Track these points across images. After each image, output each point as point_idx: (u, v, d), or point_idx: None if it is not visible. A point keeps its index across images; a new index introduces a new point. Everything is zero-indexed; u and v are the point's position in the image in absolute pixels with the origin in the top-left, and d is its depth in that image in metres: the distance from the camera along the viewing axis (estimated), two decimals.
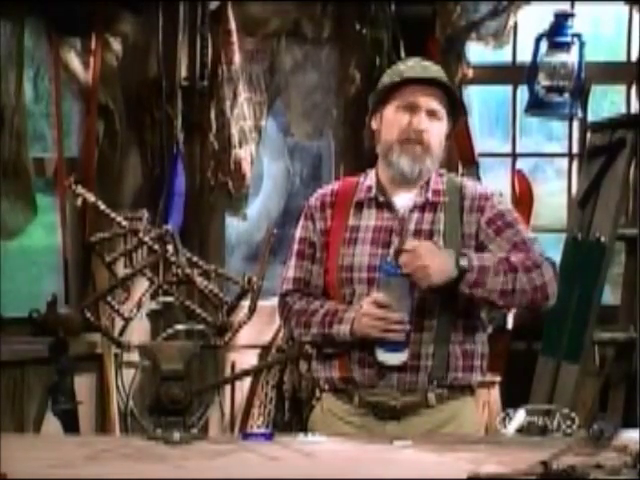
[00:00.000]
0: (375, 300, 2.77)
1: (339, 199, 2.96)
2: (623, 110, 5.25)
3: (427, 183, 2.92)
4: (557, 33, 4.98)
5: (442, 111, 2.90)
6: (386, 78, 2.95)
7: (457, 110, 2.96)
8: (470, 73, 5.14)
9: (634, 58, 5.20)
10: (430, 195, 2.91)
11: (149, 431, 2.70)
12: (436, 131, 2.89)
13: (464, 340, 2.87)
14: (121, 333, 4.16)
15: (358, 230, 2.90)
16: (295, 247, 2.99)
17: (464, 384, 2.88)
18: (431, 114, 2.88)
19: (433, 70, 2.95)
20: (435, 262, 2.73)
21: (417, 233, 2.86)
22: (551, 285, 2.80)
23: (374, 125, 2.97)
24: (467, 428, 2.89)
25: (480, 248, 2.87)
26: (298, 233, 3.00)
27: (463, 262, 2.74)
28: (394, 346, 2.79)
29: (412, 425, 2.83)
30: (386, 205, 2.91)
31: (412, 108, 2.87)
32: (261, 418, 4.78)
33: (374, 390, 2.84)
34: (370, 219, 2.91)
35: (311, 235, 2.96)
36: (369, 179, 2.97)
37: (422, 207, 2.90)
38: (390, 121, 2.90)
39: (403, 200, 2.91)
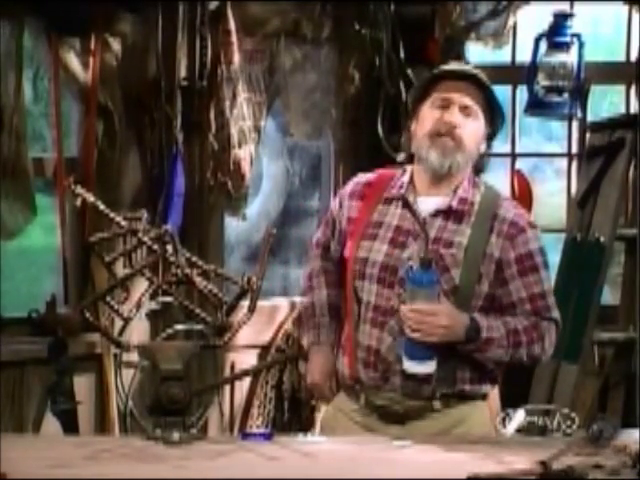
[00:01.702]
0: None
1: (371, 191, 2.95)
2: (622, 110, 5.25)
3: (455, 190, 2.87)
4: (556, 33, 4.99)
5: (477, 109, 2.85)
6: (421, 80, 3.00)
7: (495, 113, 2.91)
8: None
9: (633, 58, 5.20)
10: (455, 203, 2.84)
11: (148, 431, 2.70)
12: (470, 128, 2.84)
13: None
14: (120, 333, 4.16)
15: (381, 226, 2.88)
16: (327, 215, 3.10)
17: (473, 394, 2.85)
18: (465, 111, 2.84)
19: (470, 69, 2.95)
20: (450, 325, 2.73)
21: (436, 241, 2.81)
22: (547, 353, 2.86)
23: (413, 127, 2.93)
24: (475, 432, 2.84)
25: (498, 278, 2.82)
26: (331, 205, 3.09)
27: (471, 333, 2.74)
28: (424, 354, 2.74)
29: (417, 429, 2.81)
30: (410, 206, 2.87)
31: (445, 103, 2.85)
32: (260, 418, 4.78)
33: (379, 393, 2.83)
34: (394, 218, 2.88)
35: (337, 215, 3.01)
36: (405, 176, 2.93)
37: (446, 214, 2.84)
38: (423, 117, 2.88)
39: (428, 204, 2.87)
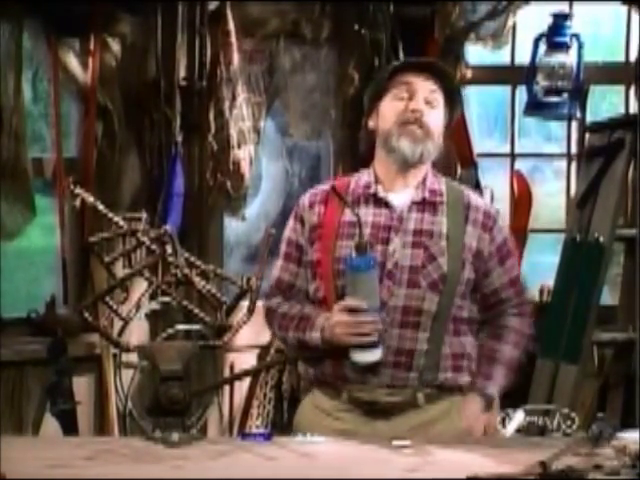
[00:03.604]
0: (345, 307, 2.77)
1: (332, 196, 2.95)
2: (622, 111, 5.25)
3: (424, 182, 2.92)
4: (556, 34, 4.99)
5: (439, 98, 2.90)
6: (380, 75, 2.98)
7: (454, 101, 2.95)
8: (469, 74, 5.14)
9: (633, 58, 5.20)
10: (427, 194, 2.90)
11: (148, 432, 2.70)
12: (434, 117, 2.89)
13: (454, 342, 2.88)
14: (120, 334, 4.17)
15: (355, 225, 2.87)
16: (283, 248, 3.00)
17: (453, 385, 2.89)
18: (428, 102, 2.88)
19: (429, 59, 3.00)
20: (472, 425, 2.88)
21: (417, 232, 2.86)
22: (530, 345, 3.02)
23: (371, 124, 2.96)
24: (457, 427, 2.88)
25: (480, 268, 2.90)
26: (287, 234, 3.01)
27: (490, 406, 2.92)
28: (369, 343, 2.78)
29: (401, 423, 2.83)
30: (384, 202, 2.90)
31: (409, 94, 2.87)
32: (260, 418, 4.78)
33: (365, 386, 2.84)
34: (368, 215, 2.89)
35: (299, 238, 2.96)
36: (366, 176, 2.96)
37: (421, 206, 2.90)
38: (387, 110, 2.90)
39: (401, 198, 2.90)
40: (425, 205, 2.90)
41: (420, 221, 2.88)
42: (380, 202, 2.91)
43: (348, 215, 2.91)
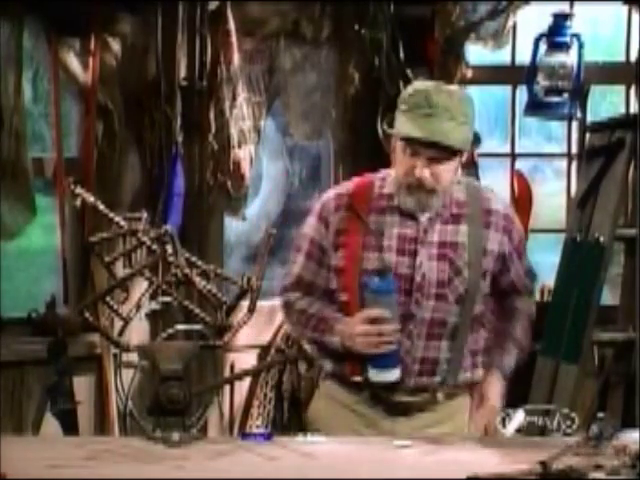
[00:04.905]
0: (367, 316, 2.78)
1: (356, 201, 2.90)
2: (622, 110, 5.26)
3: (448, 193, 2.86)
4: (556, 33, 4.99)
5: (445, 154, 2.78)
6: (413, 112, 2.77)
7: (465, 148, 2.87)
8: (469, 73, 5.15)
9: (633, 58, 5.20)
10: (454, 207, 2.88)
11: (148, 432, 2.70)
12: (442, 169, 2.79)
13: (471, 340, 2.91)
14: (120, 333, 4.17)
15: (382, 236, 2.85)
16: (304, 245, 2.94)
17: (471, 382, 2.94)
18: (434, 159, 2.77)
19: (454, 114, 2.78)
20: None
21: (441, 245, 2.85)
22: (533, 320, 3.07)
23: (393, 141, 2.87)
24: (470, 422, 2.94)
25: (499, 269, 2.92)
26: (309, 231, 2.94)
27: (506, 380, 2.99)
28: (387, 362, 2.80)
29: (420, 419, 2.88)
30: (409, 214, 2.86)
31: (412, 156, 2.78)
32: (260, 418, 4.78)
33: (387, 389, 2.86)
34: (393, 226, 2.86)
35: (323, 239, 2.91)
36: (388, 186, 2.90)
37: (443, 217, 2.87)
38: (398, 157, 2.83)
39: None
40: (448, 216, 2.88)
41: (444, 233, 2.86)
42: (405, 213, 2.86)
43: (373, 224, 2.87)
